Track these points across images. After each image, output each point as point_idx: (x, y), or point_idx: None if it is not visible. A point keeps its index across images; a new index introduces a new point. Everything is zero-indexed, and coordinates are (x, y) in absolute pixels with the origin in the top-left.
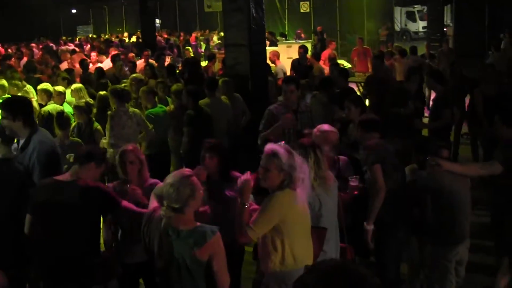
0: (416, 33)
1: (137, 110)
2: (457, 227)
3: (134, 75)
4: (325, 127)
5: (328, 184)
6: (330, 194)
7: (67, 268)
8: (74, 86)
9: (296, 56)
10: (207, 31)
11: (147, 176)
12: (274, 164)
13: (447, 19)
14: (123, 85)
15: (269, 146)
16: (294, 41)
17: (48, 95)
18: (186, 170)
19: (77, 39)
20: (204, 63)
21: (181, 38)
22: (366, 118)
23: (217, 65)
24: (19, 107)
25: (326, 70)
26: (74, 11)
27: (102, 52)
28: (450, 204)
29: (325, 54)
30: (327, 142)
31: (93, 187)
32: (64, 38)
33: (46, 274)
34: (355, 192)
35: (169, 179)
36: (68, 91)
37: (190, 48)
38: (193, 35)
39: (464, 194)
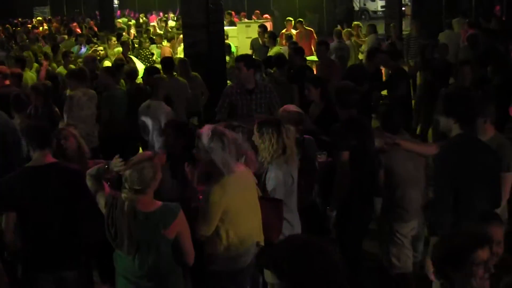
0: (375, 12)
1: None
2: (410, 204)
3: (87, 54)
4: (291, 107)
5: (295, 160)
6: (296, 169)
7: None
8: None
9: (255, 35)
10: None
11: (87, 156)
12: (199, 146)
13: None
14: None
15: (201, 129)
16: (253, 20)
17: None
18: (148, 153)
19: (34, 20)
20: (165, 44)
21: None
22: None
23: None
24: None
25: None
26: None
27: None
28: (403, 181)
29: (282, 34)
30: (291, 122)
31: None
32: (19, 20)
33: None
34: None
35: (132, 161)
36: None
37: (151, 28)
38: (153, 15)
39: (417, 171)
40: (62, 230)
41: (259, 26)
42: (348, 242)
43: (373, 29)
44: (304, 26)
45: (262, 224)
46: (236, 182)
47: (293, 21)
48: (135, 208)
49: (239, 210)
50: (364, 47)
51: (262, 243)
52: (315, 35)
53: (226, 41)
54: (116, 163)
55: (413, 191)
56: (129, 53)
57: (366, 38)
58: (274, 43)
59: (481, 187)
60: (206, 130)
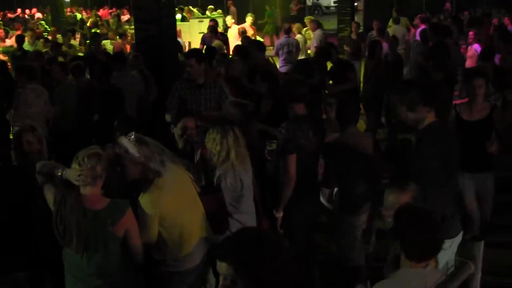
0: (328, 7)
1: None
2: (361, 197)
3: (34, 50)
4: (236, 101)
5: (246, 161)
6: (248, 171)
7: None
8: None
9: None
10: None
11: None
12: (127, 159)
13: None
14: None
15: (118, 142)
16: (206, 16)
17: None
18: (95, 148)
19: None
20: (119, 40)
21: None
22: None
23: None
24: None
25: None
26: None
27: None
28: (353, 174)
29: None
30: (239, 116)
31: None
32: None
33: None
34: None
35: (80, 157)
36: None
37: (104, 24)
38: (106, 11)
39: (365, 165)
40: (13, 231)
41: (210, 21)
42: (294, 236)
43: (318, 24)
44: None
45: (207, 218)
46: (169, 184)
47: (252, 18)
48: (83, 205)
49: (178, 212)
50: (310, 43)
51: (211, 236)
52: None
53: (178, 37)
54: (71, 174)
55: (362, 184)
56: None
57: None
58: (215, 37)
59: (454, 167)
60: (126, 143)
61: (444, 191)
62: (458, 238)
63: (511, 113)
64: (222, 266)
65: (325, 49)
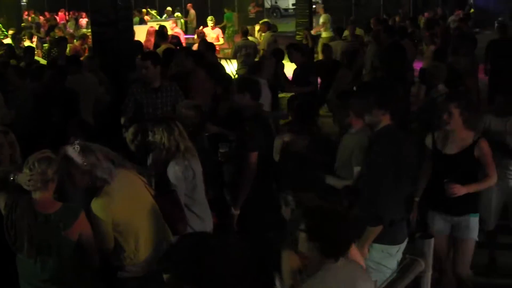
0: (286, 10)
1: None
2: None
3: None
4: (189, 102)
5: (195, 154)
6: (198, 163)
7: None
8: None
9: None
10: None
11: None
12: (73, 168)
13: None
14: None
15: (61, 151)
16: (164, 18)
17: None
18: (46, 151)
19: None
20: (76, 43)
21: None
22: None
23: None
24: None
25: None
26: None
27: None
28: None
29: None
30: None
31: None
32: None
33: None
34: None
35: (30, 161)
36: None
37: (62, 27)
38: (62, 14)
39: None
40: None
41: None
42: (252, 235)
43: (268, 26)
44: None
45: (164, 219)
46: (119, 190)
47: (213, 21)
48: (34, 209)
49: (131, 217)
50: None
51: (171, 237)
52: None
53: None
54: (22, 178)
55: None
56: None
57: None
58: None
59: (408, 172)
60: (71, 152)
61: (396, 195)
62: (405, 244)
63: None
64: (166, 277)
65: (276, 51)
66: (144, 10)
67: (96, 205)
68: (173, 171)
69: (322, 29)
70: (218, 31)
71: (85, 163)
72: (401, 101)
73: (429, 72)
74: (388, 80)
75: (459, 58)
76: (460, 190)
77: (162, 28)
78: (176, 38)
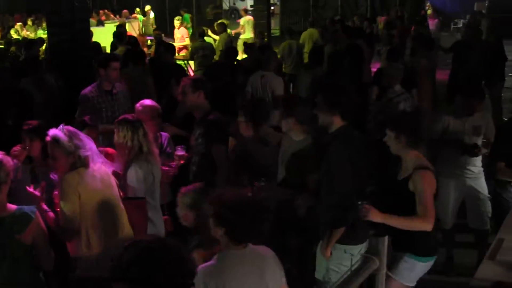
0: (245, 11)
1: None
2: None
3: None
4: (147, 102)
5: (156, 157)
6: (158, 167)
7: None
8: None
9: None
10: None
11: None
12: (59, 150)
13: None
14: None
15: (50, 133)
16: (122, 19)
17: None
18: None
19: None
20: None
21: None
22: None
23: None
24: None
25: None
26: None
27: None
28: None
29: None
30: (148, 117)
31: None
32: None
33: None
34: (182, 162)
35: None
36: None
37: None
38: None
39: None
40: None
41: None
42: None
43: (224, 27)
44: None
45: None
46: (92, 177)
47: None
48: None
49: (98, 206)
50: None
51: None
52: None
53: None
54: None
55: None
56: None
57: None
58: (121, 43)
59: (366, 173)
60: (58, 133)
61: (356, 196)
62: (366, 244)
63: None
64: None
65: (232, 51)
66: (102, 11)
67: (67, 180)
68: (134, 173)
69: (241, 31)
70: (183, 30)
71: (70, 143)
72: (353, 101)
73: (385, 73)
74: (342, 81)
75: (416, 59)
76: (375, 215)
77: (120, 29)
78: (133, 38)
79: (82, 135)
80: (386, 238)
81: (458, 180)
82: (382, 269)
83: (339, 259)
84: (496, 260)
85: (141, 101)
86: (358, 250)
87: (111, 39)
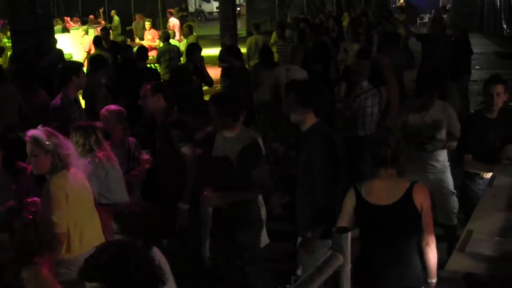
0: (211, 13)
1: None
2: None
3: None
4: (112, 107)
5: (113, 161)
6: (116, 169)
7: None
8: None
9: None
10: None
11: None
12: (38, 148)
13: None
14: None
15: (28, 133)
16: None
17: None
18: None
19: None
20: None
21: None
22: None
23: None
24: None
25: None
26: None
27: None
28: None
29: None
30: (114, 121)
31: None
32: None
33: None
34: (147, 166)
35: None
36: None
37: None
38: None
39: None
40: None
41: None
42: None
43: (191, 30)
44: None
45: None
46: (75, 180)
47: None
48: None
49: (79, 208)
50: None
51: None
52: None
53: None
54: None
55: None
56: None
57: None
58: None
59: (341, 168)
60: (37, 132)
61: (336, 191)
62: None
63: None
64: (92, 286)
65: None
66: (66, 18)
67: (53, 181)
68: (84, 170)
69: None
70: (154, 32)
71: (48, 142)
72: (326, 98)
73: (353, 70)
74: (310, 78)
75: (382, 55)
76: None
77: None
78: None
79: (61, 136)
80: (349, 234)
81: (421, 176)
82: (346, 265)
83: (322, 255)
84: (465, 252)
85: (107, 107)
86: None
87: (78, 45)
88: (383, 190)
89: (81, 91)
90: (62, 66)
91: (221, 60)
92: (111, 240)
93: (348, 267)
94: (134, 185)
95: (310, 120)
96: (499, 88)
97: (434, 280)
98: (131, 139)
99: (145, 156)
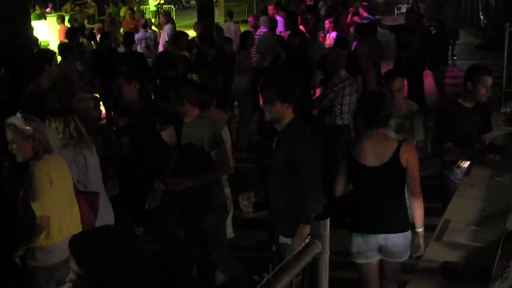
0: (188, 2)
1: None
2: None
3: None
4: (86, 94)
5: (92, 148)
6: (94, 156)
7: None
8: None
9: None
10: None
11: None
12: (18, 134)
13: None
14: None
15: (7, 120)
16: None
17: None
18: None
19: None
20: None
21: None
22: None
23: None
24: None
25: None
26: None
27: None
28: None
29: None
30: (89, 109)
31: None
32: None
33: None
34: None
35: None
36: None
37: None
38: None
39: None
40: None
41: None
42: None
43: (168, 18)
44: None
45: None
46: (57, 166)
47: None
48: None
49: (59, 195)
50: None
51: None
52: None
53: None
54: None
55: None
56: None
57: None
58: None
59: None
60: (14, 119)
61: (320, 190)
62: None
63: None
64: (72, 262)
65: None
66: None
67: (37, 166)
68: (64, 154)
69: None
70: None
71: (27, 127)
72: (302, 91)
73: (330, 59)
74: (287, 70)
75: (360, 44)
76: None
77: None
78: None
79: (39, 121)
80: (328, 221)
81: None
82: (324, 252)
83: None
84: (442, 241)
85: (79, 94)
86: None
87: (54, 32)
88: (373, 151)
89: None
90: (35, 54)
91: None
92: (105, 226)
93: (327, 254)
94: (110, 173)
95: (288, 116)
96: (489, 81)
97: (421, 230)
98: (107, 126)
99: (126, 140)
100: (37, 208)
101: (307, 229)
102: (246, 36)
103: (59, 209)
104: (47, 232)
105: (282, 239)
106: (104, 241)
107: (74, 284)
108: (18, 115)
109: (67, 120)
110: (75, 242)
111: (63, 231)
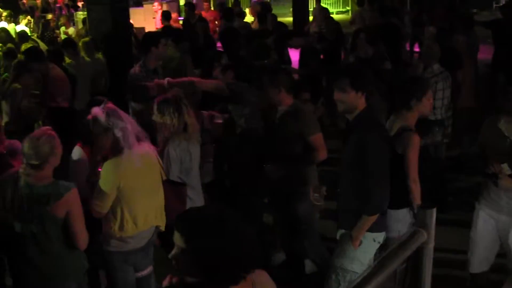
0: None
1: None
2: None
3: None
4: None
5: (198, 138)
6: (197, 144)
7: None
8: None
9: None
10: None
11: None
12: (97, 127)
13: None
14: None
15: (92, 111)
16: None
17: None
18: (47, 128)
19: None
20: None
21: None
22: None
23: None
24: None
25: None
26: None
27: None
28: None
29: None
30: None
31: None
32: None
33: None
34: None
35: (30, 136)
36: None
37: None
38: None
39: None
40: None
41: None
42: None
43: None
44: None
45: (165, 208)
46: (135, 159)
47: None
48: (27, 182)
49: (136, 189)
50: None
51: (163, 229)
52: None
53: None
54: None
55: None
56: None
57: None
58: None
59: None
60: (98, 111)
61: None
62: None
63: None
64: (176, 236)
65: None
66: None
67: (107, 166)
68: (171, 151)
69: None
70: None
71: (107, 121)
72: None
73: (422, 52)
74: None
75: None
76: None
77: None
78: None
79: (122, 113)
80: (434, 210)
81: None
82: (430, 242)
83: (367, 248)
84: None
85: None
86: (383, 237)
87: (150, 19)
88: None
89: None
90: (143, 36)
91: None
92: (215, 205)
93: (432, 244)
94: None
95: (361, 106)
96: None
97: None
98: (205, 112)
99: (218, 119)
100: (96, 205)
101: (369, 221)
102: None
103: (136, 203)
104: (120, 225)
105: (340, 231)
106: (212, 219)
107: (178, 259)
108: (103, 106)
109: (180, 108)
110: (183, 219)
111: (139, 224)
